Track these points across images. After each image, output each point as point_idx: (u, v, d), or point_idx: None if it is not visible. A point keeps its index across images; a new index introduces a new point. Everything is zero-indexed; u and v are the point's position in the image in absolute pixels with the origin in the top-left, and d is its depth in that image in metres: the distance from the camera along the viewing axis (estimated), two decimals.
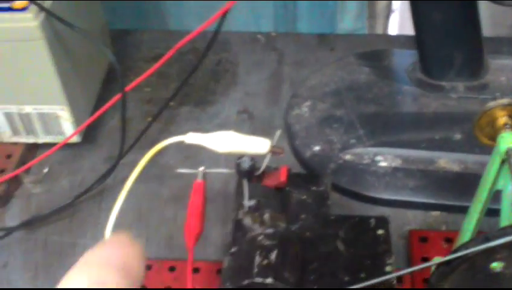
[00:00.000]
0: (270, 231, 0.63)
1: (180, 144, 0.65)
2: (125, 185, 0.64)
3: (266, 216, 0.64)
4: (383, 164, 0.86)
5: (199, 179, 0.70)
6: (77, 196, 0.88)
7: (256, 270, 0.60)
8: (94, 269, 0.41)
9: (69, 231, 0.87)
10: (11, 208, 0.90)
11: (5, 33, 0.81)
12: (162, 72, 1.04)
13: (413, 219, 0.82)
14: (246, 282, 0.59)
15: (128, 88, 0.86)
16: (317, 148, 0.89)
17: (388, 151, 0.87)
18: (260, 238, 0.63)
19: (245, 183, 0.67)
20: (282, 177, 0.69)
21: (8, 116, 0.90)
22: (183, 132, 0.65)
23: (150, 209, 0.87)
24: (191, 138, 0.65)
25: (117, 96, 0.85)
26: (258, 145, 0.64)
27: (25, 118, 0.90)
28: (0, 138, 0.94)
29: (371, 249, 0.64)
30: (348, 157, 0.88)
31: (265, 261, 0.60)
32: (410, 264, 0.75)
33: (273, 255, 0.61)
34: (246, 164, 0.65)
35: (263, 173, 0.68)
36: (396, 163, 0.86)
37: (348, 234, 0.67)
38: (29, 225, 0.87)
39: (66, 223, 0.88)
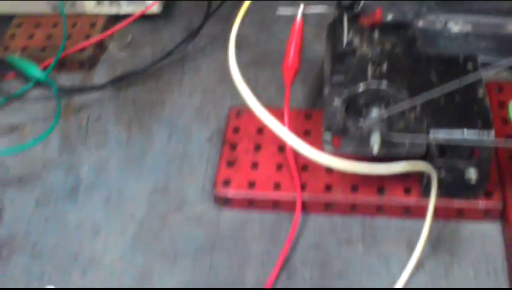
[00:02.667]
0: (378, 48, 0.68)
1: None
2: (233, 28, 0.69)
3: (375, 36, 0.69)
4: (455, 29, 0.91)
5: (299, 17, 0.74)
6: (161, 57, 0.93)
7: (370, 77, 0.65)
8: None
9: (156, 90, 0.92)
10: (99, 71, 0.96)
11: None
12: None
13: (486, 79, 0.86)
14: (361, 87, 0.64)
15: None
16: (389, 17, 0.93)
17: (459, 18, 0.91)
18: (370, 55, 0.68)
19: (345, 17, 0.71)
20: (377, 16, 0.74)
21: None
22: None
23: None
24: None
25: None
26: None
27: None
28: (83, 8, 0.98)
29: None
30: (420, 24, 0.92)
31: (377, 71, 0.66)
32: None
33: (384, 67, 0.66)
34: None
35: (359, 13, 0.73)
36: (467, 28, 0.91)
37: (439, 67, 0.72)
38: (118, 82, 0.91)
39: (152, 83, 0.93)
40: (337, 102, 0.66)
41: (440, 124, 0.67)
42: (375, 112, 0.65)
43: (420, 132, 0.67)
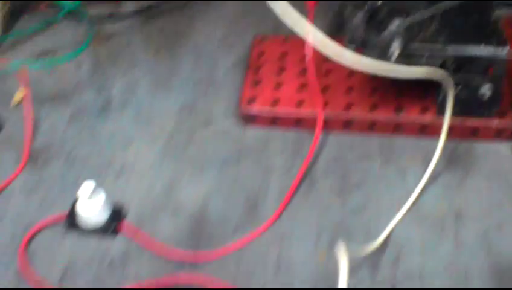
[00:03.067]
0: None
1: None
2: None
3: None
4: None
5: None
6: None
7: None
8: None
9: (182, 20, 0.97)
10: (127, 1, 0.99)
11: None
12: None
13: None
14: None
15: None
16: None
17: None
18: None
19: None
20: None
21: None
22: None
23: None
24: None
25: None
26: None
27: None
28: None
29: None
30: None
31: None
32: None
33: None
34: None
35: None
36: None
37: None
38: (146, 11, 0.95)
39: (178, 14, 0.97)
40: (359, 15, 0.69)
41: (457, 40, 0.70)
42: (396, 22, 0.68)
43: (438, 46, 0.70)
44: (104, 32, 0.93)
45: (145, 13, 0.94)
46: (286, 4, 0.64)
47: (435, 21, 0.69)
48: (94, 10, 0.97)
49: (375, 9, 0.68)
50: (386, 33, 0.68)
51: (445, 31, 0.70)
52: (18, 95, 0.83)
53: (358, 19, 0.69)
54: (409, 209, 0.69)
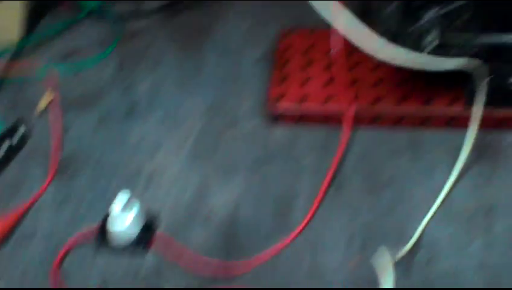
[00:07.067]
0: None
1: None
2: None
3: None
4: None
5: None
6: None
7: None
8: None
9: (205, 15, 0.96)
10: None
11: None
12: None
13: None
14: None
15: None
16: None
17: None
18: None
19: None
20: None
21: None
22: None
23: None
24: None
25: None
26: None
27: None
28: None
29: None
30: None
31: None
32: None
33: None
34: None
35: None
36: None
37: None
38: (169, 8, 0.94)
39: (201, 10, 0.97)
40: (393, 5, 0.67)
41: (491, 29, 0.69)
42: (432, 11, 0.66)
43: (473, 35, 0.69)
44: (128, 31, 0.93)
45: (169, 9, 0.94)
46: None
47: (469, 9, 0.67)
48: (117, 8, 0.95)
49: None
50: (422, 22, 0.67)
51: (479, 19, 0.68)
52: (43, 101, 0.83)
53: (391, 9, 0.67)
54: (440, 207, 0.69)
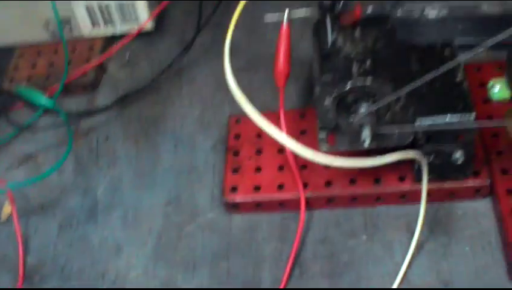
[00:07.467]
0: (360, 46, 0.73)
1: None
2: (226, 39, 0.74)
3: (357, 34, 0.74)
4: (432, 14, 0.95)
5: (285, 23, 0.79)
6: (160, 72, 0.98)
7: (355, 75, 0.70)
8: None
9: (157, 103, 0.97)
10: (102, 92, 1.01)
11: None
12: None
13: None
14: (348, 85, 0.69)
15: None
16: (369, 11, 0.97)
17: (435, 3, 0.95)
18: (353, 53, 0.73)
19: (327, 18, 0.76)
20: (357, 13, 0.78)
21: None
22: None
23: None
24: None
25: None
26: None
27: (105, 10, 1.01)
28: (80, 32, 1.04)
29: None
30: (399, 13, 0.96)
31: (361, 69, 0.71)
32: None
33: (367, 64, 0.71)
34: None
35: (339, 13, 0.78)
36: (444, 13, 0.95)
37: (419, 56, 0.77)
38: (121, 101, 0.96)
39: (153, 98, 0.98)
40: (328, 101, 0.71)
41: (424, 112, 0.72)
42: (363, 107, 0.70)
43: (407, 122, 0.72)
44: (82, 129, 0.95)
45: (121, 102, 0.95)
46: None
47: (399, 100, 0.71)
48: (70, 105, 0.97)
49: (343, 94, 0.69)
50: (355, 118, 0.70)
51: (412, 106, 0.71)
52: (6, 210, 0.84)
53: (327, 104, 0.70)
54: (400, 285, 0.70)
